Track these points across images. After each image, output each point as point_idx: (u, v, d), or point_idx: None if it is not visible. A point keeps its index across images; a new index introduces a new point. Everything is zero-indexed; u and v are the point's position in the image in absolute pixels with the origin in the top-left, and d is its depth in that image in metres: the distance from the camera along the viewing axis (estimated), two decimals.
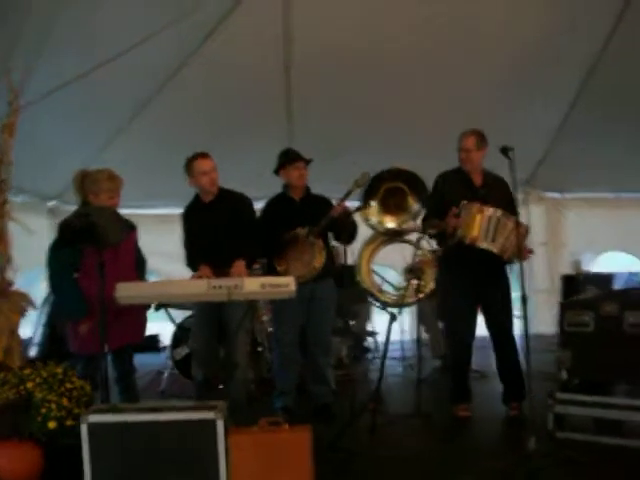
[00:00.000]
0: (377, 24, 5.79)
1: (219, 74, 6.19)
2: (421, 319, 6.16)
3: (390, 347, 6.72)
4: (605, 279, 5.59)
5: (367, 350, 6.82)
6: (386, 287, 6.33)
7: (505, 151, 3.76)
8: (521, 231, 3.83)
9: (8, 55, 4.00)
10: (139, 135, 6.67)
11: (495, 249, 3.92)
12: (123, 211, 3.77)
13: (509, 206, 3.97)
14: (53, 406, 3.18)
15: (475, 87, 6.52)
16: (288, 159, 4.27)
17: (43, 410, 3.15)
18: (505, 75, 6.43)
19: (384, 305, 6.08)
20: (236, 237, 3.89)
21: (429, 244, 6.17)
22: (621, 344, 3.49)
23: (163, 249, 5.87)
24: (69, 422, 3.21)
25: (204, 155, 3.96)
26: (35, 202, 6.87)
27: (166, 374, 5.25)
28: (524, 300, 3.42)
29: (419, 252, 6.36)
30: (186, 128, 6.63)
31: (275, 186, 4.39)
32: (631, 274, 7.82)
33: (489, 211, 3.95)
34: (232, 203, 4.00)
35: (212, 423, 2.95)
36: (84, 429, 2.93)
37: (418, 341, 4.68)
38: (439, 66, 6.26)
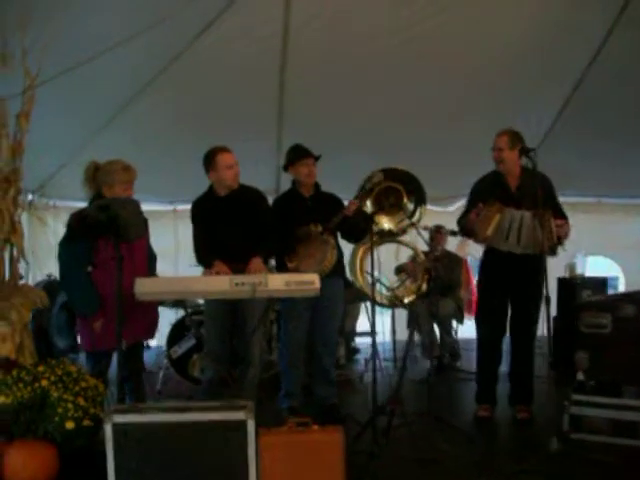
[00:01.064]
0: (370, 24, 5.77)
1: (209, 73, 6.05)
2: (414, 320, 6.19)
3: (382, 348, 6.84)
4: (600, 283, 5.68)
5: (356, 351, 6.78)
6: (378, 287, 6.36)
7: (526, 152, 3.80)
8: (548, 223, 3.86)
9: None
10: (122, 132, 6.49)
11: (512, 249, 3.93)
12: None
13: (550, 202, 3.96)
14: (70, 405, 3.06)
15: (461, 93, 6.54)
16: (297, 156, 4.20)
17: (60, 410, 3.03)
18: (493, 81, 6.45)
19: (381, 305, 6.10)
20: (252, 233, 3.79)
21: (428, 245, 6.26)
22: (639, 346, 3.53)
23: None
24: (86, 422, 3.10)
25: (226, 149, 3.85)
26: None
27: (161, 373, 5.10)
28: (547, 301, 3.43)
29: (412, 253, 6.50)
30: (171, 127, 6.52)
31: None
32: (609, 279, 8.00)
33: (510, 212, 3.95)
34: (248, 198, 3.90)
35: (242, 424, 2.87)
36: (108, 430, 2.81)
37: (431, 342, 4.62)
38: (427, 70, 6.25)
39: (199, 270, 5.78)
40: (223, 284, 3.23)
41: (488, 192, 4.17)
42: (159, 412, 2.88)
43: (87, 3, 4.69)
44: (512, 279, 4.13)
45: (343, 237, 4.32)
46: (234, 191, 3.87)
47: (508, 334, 4.32)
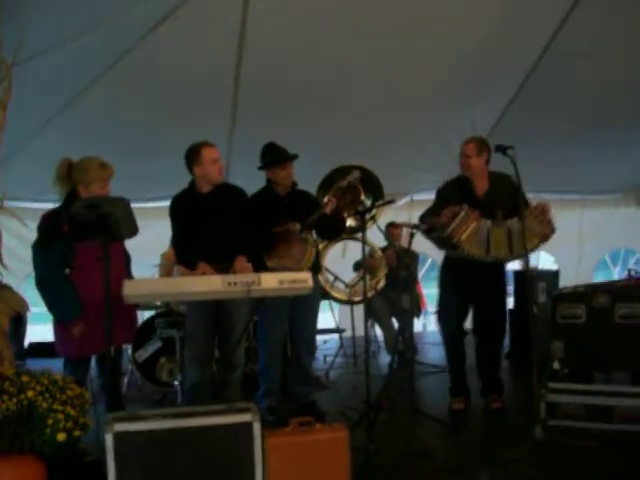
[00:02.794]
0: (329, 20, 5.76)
1: (160, 68, 5.85)
2: (373, 315, 6.25)
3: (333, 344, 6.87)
4: (553, 275, 5.92)
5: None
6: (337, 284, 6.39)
7: (503, 149, 3.87)
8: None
9: None
10: (66, 129, 6.21)
11: (480, 254, 4.06)
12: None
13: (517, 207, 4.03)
14: (60, 416, 2.89)
15: (411, 93, 6.63)
16: (275, 160, 4.12)
17: (50, 421, 2.86)
18: (441, 83, 6.58)
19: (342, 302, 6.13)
20: (234, 231, 3.70)
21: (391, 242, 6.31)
22: (612, 335, 3.70)
23: None
24: (77, 433, 2.95)
25: (210, 143, 3.75)
26: None
27: (126, 378, 4.92)
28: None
29: (369, 249, 6.54)
30: (119, 123, 6.30)
31: None
32: None
33: (487, 223, 4.05)
34: (232, 195, 3.80)
35: (248, 426, 2.81)
36: (109, 439, 2.68)
37: (410, 337, 4.67)
38: (381, 69, 6.31)
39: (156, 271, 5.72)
40: (216, 284, 3.12)
41: (455, 196, 4.23)
42: (161, 418, 2.78)
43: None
44: (474, 279, 4.23)
45: (319, 235, 4.31)
46: (216, 188, 3.77)
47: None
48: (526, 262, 3.92)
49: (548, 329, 4.15)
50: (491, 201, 4.18)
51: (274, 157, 4.12)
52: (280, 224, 4.07)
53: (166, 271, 5.34)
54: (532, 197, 8.15)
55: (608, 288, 3.85)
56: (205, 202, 3.75)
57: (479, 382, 4.46)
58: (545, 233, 4.08)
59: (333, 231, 4.29)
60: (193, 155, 3.71)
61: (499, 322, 4.39)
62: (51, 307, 3.37)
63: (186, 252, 3.72)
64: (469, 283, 4.27)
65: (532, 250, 4.03)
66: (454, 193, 4.30)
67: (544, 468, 3.24)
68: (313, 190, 4.89)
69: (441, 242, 4.33)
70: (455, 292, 4.37)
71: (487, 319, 4.36)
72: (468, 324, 4.59)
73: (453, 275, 4.40)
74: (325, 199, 4.89)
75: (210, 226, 3.70)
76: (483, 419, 4.23)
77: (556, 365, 3.86)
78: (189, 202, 3.79)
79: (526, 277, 4.41)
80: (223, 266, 3.59)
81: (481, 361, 4.44)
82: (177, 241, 3.81)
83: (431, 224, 4.30)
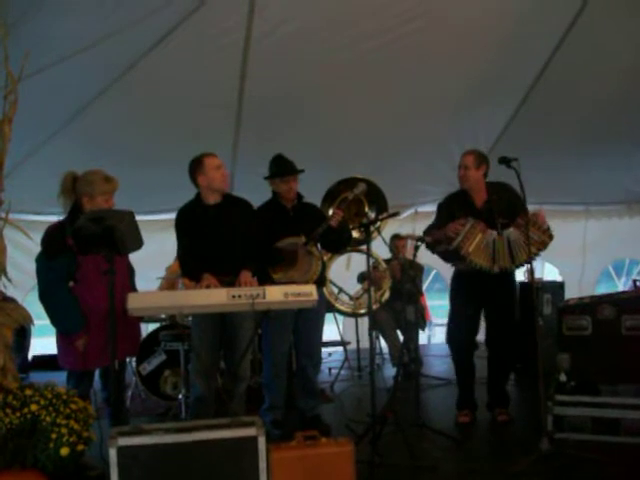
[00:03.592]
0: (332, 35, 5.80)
1: (165, 81, 5.89)
2: (378, 327, 6.22)
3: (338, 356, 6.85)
4: (558, 287, 5.90)
5: None
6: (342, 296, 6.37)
7: (507, 161, 3.86)
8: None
9: None
10: (71, 142, 6.24)
11: (487, 265, 4.06)
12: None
13: (520, 210, 4.03)
14: (64, 430, 2.88)
15: (413, 105, 6.65)
16: (278, 172, 4.13)
17: (54, 435, 2.84)
18: (444, 96, 6.60)
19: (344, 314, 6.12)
20: (239, 244, 3.70)
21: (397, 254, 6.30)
22: (619, 347, 3.69)
23: None
24: (80, 447, 2.93)
25: (212, 153, 3.75)
26: None
27: (130, 392, 4.90)
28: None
29: (373, 261, 6.53)
30: (124, 136, 6.32)
31: None
32: None
33: (492, 235, 4.07)
34: (237, 207, 3.80)
35: (253, 440, 2.79)
36: (113, 453, 2.67)
37: (416, 349, 4.65)
38: (382, 83, 6.34)
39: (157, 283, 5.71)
40: (221, 297, 3.13)
41: (457, 209, 4.26)
42: (166, 433, 2.76)
43: (46, 12, 4.50)
44: (484, 291, 4.22)
45: (324, 247, 4.29)
46: (222, 200, 3.77)
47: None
48: (531, 273, 3.90)
49: (554, 341, 4.14)
50: (491, 211, 4.19)
51: (277, 169, 4.14)
52: (286, 237, 4.06)
53: (168, 284, 5.33)
54: (535, 208, 8.29)
55: (614, 299, 3.84)
56: (211, 214, 3.74)
57: (486, 395, 4.43)
58: (543, 240, 4.08)
59: (339, 244, 4.28)
60: (196, 165, 3.71)
61: (512, 333, 4.34)
62: (54, 320, 3.36)
63: (192, 264, 3.70)
64: (481, 296, 4.26)
65: (532, 258, 4.00)
66: (455, 207, 4.31)
67: None
68: (315, 202, 4.90)
69: (447, 255, 4.33)
70: (467, 306, 4.35)
71: (500, 330, 4.32)
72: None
73: (464, 289, 4.38)
74: (331, 211, 4.93)
75: (216, 238, 3.68)
76: (489, 432, 4.19)
77: (562, 377, 3.83)
78: (195, 214, 3.78)
79: (531, 288, 4.38)
80: (228, 279, 3.58)
81: (492, 373, 4.40)
82: (183, 253, 3.79)
83: (437, 237, 4.31)
